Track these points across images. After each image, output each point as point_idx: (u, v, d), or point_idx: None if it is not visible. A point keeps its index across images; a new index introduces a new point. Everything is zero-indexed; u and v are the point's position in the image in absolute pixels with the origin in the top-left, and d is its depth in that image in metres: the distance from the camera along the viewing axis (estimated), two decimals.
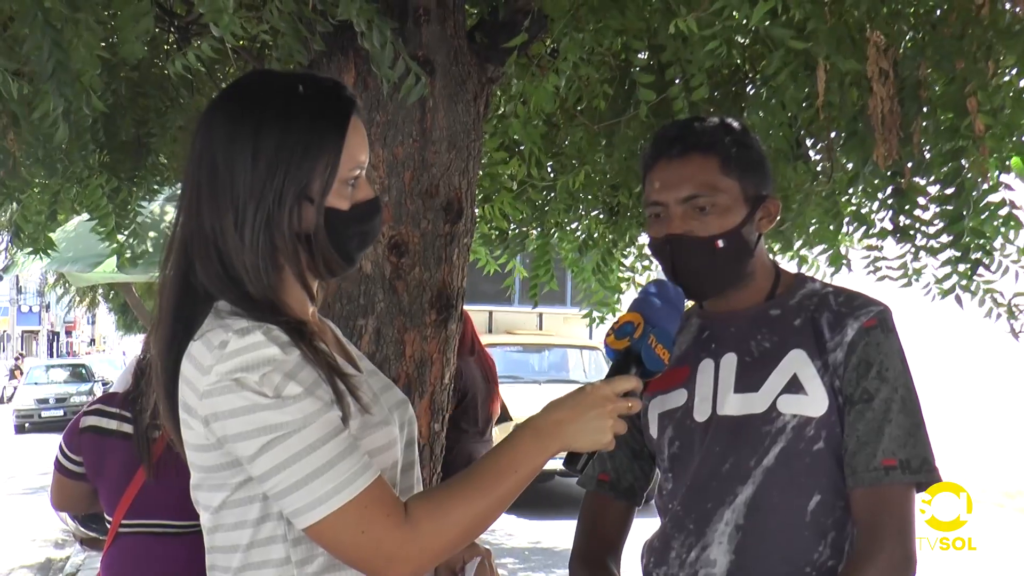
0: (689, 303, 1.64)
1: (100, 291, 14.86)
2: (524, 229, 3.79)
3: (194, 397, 1.24)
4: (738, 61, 2.88)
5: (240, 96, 1.34)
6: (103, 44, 2.33)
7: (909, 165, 2.50)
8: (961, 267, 2.58)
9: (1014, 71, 2.45)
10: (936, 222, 2.59)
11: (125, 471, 2.35)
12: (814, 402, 1.54)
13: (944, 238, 2.58)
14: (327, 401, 1.25)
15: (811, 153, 2.89)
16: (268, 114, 1.29)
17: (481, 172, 3.34)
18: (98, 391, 20.44)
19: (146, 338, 2.70)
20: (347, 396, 1.29)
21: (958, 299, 2.68)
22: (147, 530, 2.36)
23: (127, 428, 2.37)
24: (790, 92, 2.33)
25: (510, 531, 8.73)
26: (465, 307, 2.73)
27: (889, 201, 2.69)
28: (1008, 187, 2.51)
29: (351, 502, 1.22)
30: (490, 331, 11.74)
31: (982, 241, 2.50)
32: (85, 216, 4.71)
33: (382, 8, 2.14)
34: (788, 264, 3.27)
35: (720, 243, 1.58)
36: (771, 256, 1.79)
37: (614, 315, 3.84)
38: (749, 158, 1.61)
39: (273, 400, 1.21)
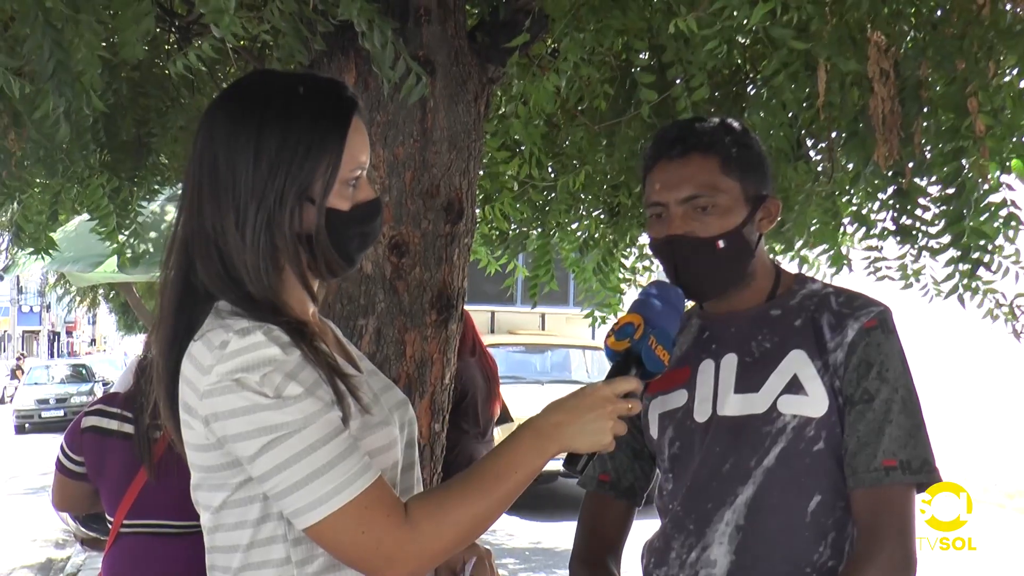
0: (689, 304, 1.64)
1: (101, 291, 14.85)
2: (524, 229, 3.79)
3: (194, 397, 1.24)
4: (739, 61, 2.88)
5: (241, 96, 1.34)
6: (104, 44, 2.33)
7: (910, 165, 2.50)
8: (962, 267, 2.57)
9: (1015, 71, 2.45)
10: (937, 222, 2.59)
11: (126, 471, 2.35)
12: (814, 402, 1.54)
13: (945, 238, 2.58)
14: (327, 401, 1.25)
15: (811, 153, 2.89)
16: (270, 114, 1.29)
17: (482, 172, 3.34)
18: (98, 391, 20.44)
19: (147, 338, 2.70)
20: (347, 397, 1.29)
21: (961, 299, 2.68)
22: (148, 530, 2.36)
23: (128, 428, 2.37)
24: (790, 93, 2.33)
25: (511, 531, 8.73)
26: (467, 307, 2.73)
27: (891, 202, 2.69)
28: (1009, 187, 2.51)
29: (351, 502, 1.22)
30: (492, 331, 11.73)
31: (983, 242, 2.50)
32: (86, 216, 4.71)
33: (383, 8, 2.14)
34: (789, 264, 3.27)
35: (721, 243, 1.58)
36: (772, 257, 1.79)
37: (616, 316, 3.84)
38: (749, 158, 1.61)
39: (274, 400, 1.21)
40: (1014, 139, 2.41)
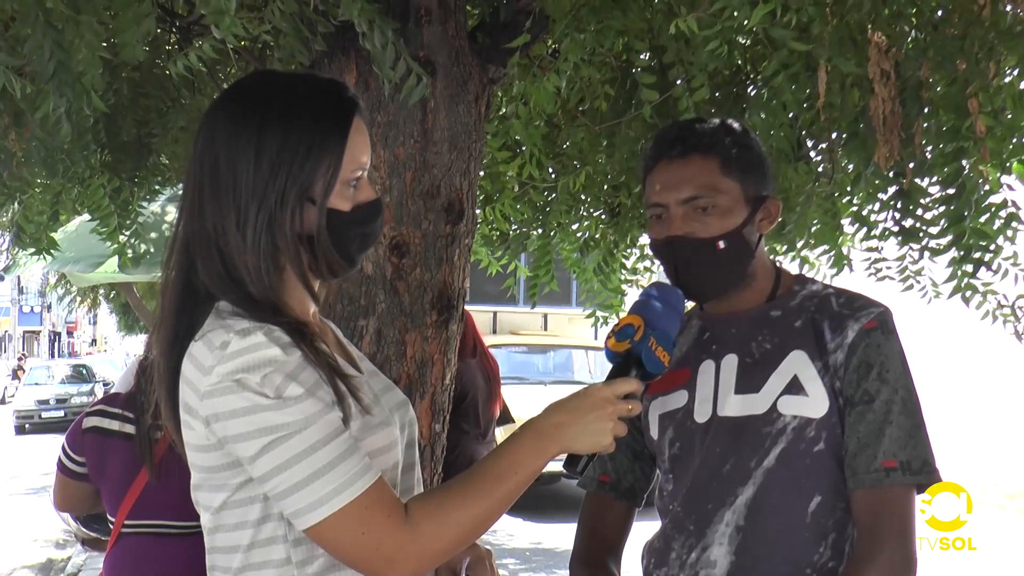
0: (690, 304, 1.64)
1: (101, 291, 14.86)
2: (525, 230, 3.79)
3: (195, 397, 1.24)
4: (739, 62, 2.88)
5: (242, 96, 1.34)
6: (104, 44, 2.33)
7: (911, 166, 2.50)
8: (966, 267, 2.57)
9: (1015, 72, 2.45)
10: (938, 223, 2.59)
11: (127, 472, 2.35)
12: (815, 403, 1.54)
13: (946, 239, 2.58)
14: (328, 402, 1.25)
15: (812, 154, 2.89)
16: (271, 115, 1.29)
17: (483, 173, 3.34)
18: (99, 392, 20.42)
19: (148, 338, 2.70)
20: (348, 397, 1.29)
21: (965, 299, 2.68)
22: (149, 530, 2.36)
23: (129, 429, 2.37)
24: (790, 93, 2.33)
25: (511, 532, 8.73)
26: (469, 308, 2.73)
27: (894, 203, 2.69)
28: (1009, 187, 2.51)
29: (352, 503, 1.22)
30: (494, 332, 11.73)
31: (985, 242, 2.50)
32: (86, 216, 4.71)
33: (383, 9, 2.14)
34: (791, 265, 3.27)
35: (721, 244, 1.58)
36: (773, 257, 1.79)
37: (617, 316, 3.84)
38: (750, 159, 1.61)
39: (274, 401, 1.21)
40: (1015, 140, 2.41)
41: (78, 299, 16.86)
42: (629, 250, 3.78)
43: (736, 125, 1.65)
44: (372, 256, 2.40)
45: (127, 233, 3.71)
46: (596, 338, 10.33)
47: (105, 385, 21.49)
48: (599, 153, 3.18)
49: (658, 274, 3.91)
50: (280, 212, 1.28)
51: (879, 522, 1.48)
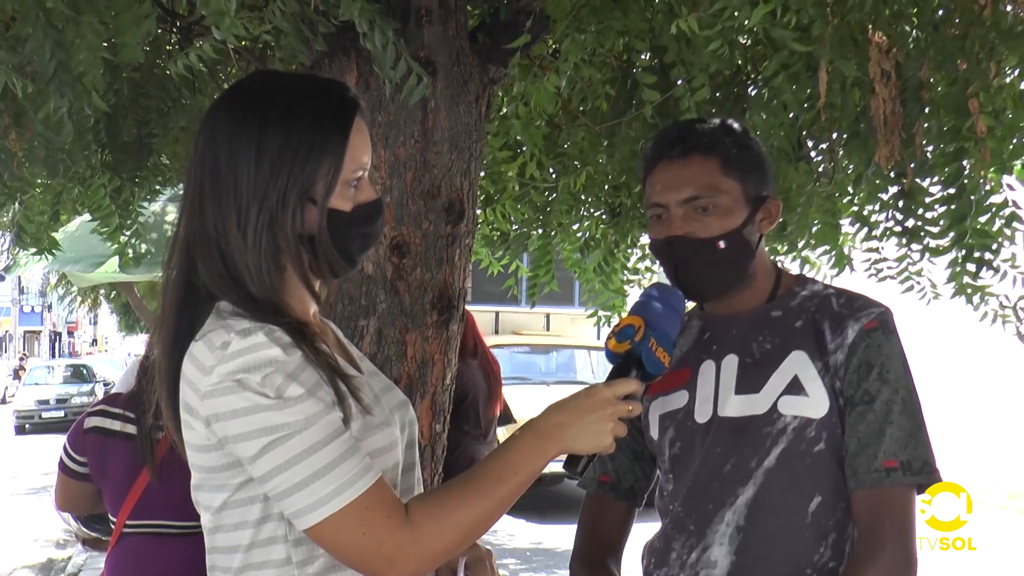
0: (690, 305, 1.64)
1: (102, 291, 14.86)
2: (526, 230, 3.79)
3: (195, 397, 1.24)
4: (739, 62, 2.88)
5: (243, 96, 1.34)
6: (105, 44, 2.33)
7: (911, 166, 2.50)
8: (969, 267, 2.57)
9: (1016, 72, 2.45)
10: (940, 223, 2.58)
11: (129, 472, 2.35)
12: (815, 403, 1.54)
13: (947, 239, 2.57)
14: (328, 402, 1.25)
15: (812, 154, 2.89)
16: (272, 115, 1.29)
17: (484, 173, 3.34)
18: (99, 392, 20.38)
19: (149, 338, 2.71)
20: (348, 397, 1.29)
21: (970, 299, 2.68)
22: (151, 531, 2.36)
23: (131, 429, 2.37)
24: (791, 93, 2.33)
25: (512, 532, 8.74)
26: (471, 308, 2.72)
27: (897, 203, 2.69)
28: (1009, 187, 2.51)
29: (352, 503, 1.22)
30: (496, 332, 11.72)
31: (987, 241, 2.50)
32: (87, 216, 4.71)
33: (384, 9, 2.14)
34: (792, 265, 3.27)
35: (722, 244, 1.58)
36: (774, 258, 1.79)
37: (620, 317, 3.83)
38: (750, 159, 1.62)
39: (275, 401, 1.21)
40: (1015, 140, 2.41)
41: (79, 299, 16.85)
42: (630, 250, 3.78)
43: (736, 125, 1.65)
44: (373, 256, 2.40)
45: (128, 233, 3.71)
46: (599, 338, 10.29)
47: (105, 385, 21.47)
48: (600, 153, 3.18)
49: (659, 274, 3.91)
50: (281, 212, 1.28)
51: (879, 522, 1.48)
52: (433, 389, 2.50)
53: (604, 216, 3.60)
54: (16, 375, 30.76)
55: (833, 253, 3.06)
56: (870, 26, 2.30)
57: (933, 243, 2.66)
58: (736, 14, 2.02)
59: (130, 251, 3.83)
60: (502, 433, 4.65)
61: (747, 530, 1.55)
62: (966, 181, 2.44)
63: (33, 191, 3.67)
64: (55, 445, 2.77)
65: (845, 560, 1.53)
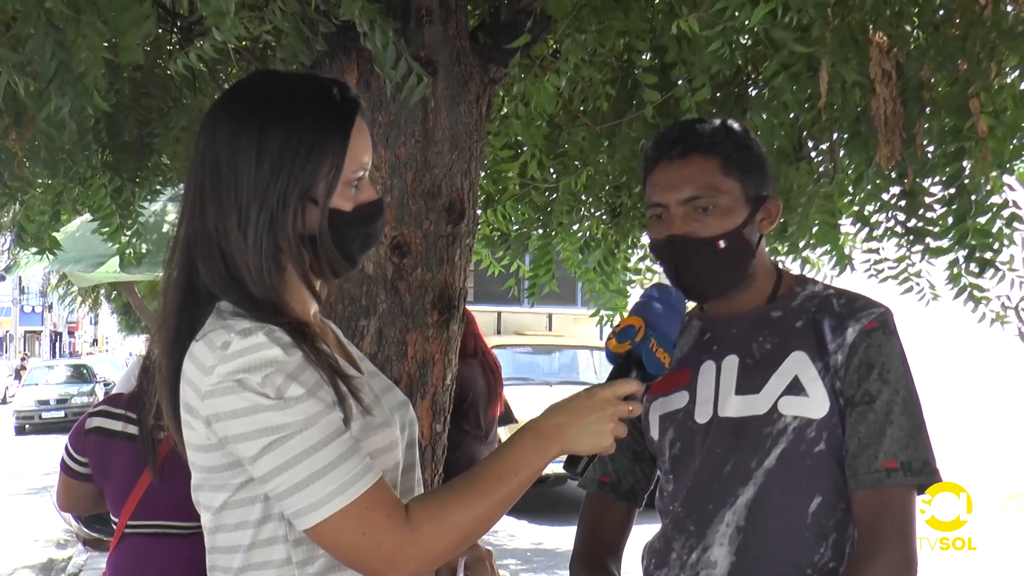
0: (690, 305, 1.64)
1: (103, 292, 14.86)
2: (526, 230, 3.79)
3: (196, 397, 1.24)
4: (740, 62, 2.88)
5: (244, 96, 1.34)
6: (106, 44, 2.33)
7: (912, 167, 2.50)
8: (972, 267, 2.57)
9: (1016, 72, 2.45)
10: (941, 223, 2.58)
11: (131, 472, 2.35)
12: (815, 404, 1.54)
13: (948, 240, 2.57)
14: (329, 403, 1.25)
15: (813, 154, 2.89)
16: (272, 115, 1.29)
17: (485, 173, 3.34)
18: (99, 392, 20.34)
19: (150, 338, 2.71)
20: (349, 398, 1.29)
21: (974, 300, 2.67)
22: (152, 531, 2.36)
23: (132, 429, 2.37)
24: (791, 94, 2.33)
25: (512, 532, 8.74)
26: (474, 308, 2.72)
27: (900, 203, 2.69)
28: (1009, 187, 2.51)
29: (352, 504, 1.22)
30: (499, 332, 11.69)
31: (990, 240, 2.49)
32: (87, 216, 4.72)
33: (385, 8, 2.14)
34: (792, 265, 3.27)
35: (722, 243, 1.58)
36: (775, 258, 1.79)
37: (622, 317, 3.82)
38: (750, 159, 1.62)
39: (275, 401, 1.21)
40: (1016, 140, 2.41)
41: (79, 299, 16.85)
42: (631, 250, 3.77)
43: (736, 125, 1.65)
44: (373, 256, 2.40)
45: (128, 233, 3.71)
46: (601, 338, 10.24)
47: (106, 385, 21.44)
48: (600, 153, 3.18)
49: (660, 275, 3.91)
50: (282, 212, 1.28)
51: (880, 522, 1.48)
52: (433, 389, 2.50)
53: (604, 216, 3.60)
54: (17, 375, 30.75)
55: (834, 253, 3.05)
56: (871, 26, 2.30)
57: (934, 243, 2.65)
58: (736, 14, 2.02)
59: (130, 251, 3.83)
60: (504, 433, 4.65)
61: (747, 530, 1.55)
62: (966, 181, 2.44)
63: (34, 191, 3.67)
64: (55, 445, 2.77)
65: (845, 560, 1.53)
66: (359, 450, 1.25)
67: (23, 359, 38.85)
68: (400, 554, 1.24)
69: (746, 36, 2.66)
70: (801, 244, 3.09)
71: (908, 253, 2.76)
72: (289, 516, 1.24)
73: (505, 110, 3.26)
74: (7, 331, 51.55)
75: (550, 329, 12.37)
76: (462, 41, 2.47)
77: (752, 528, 1.55)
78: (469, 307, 2.77)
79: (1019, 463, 12.33)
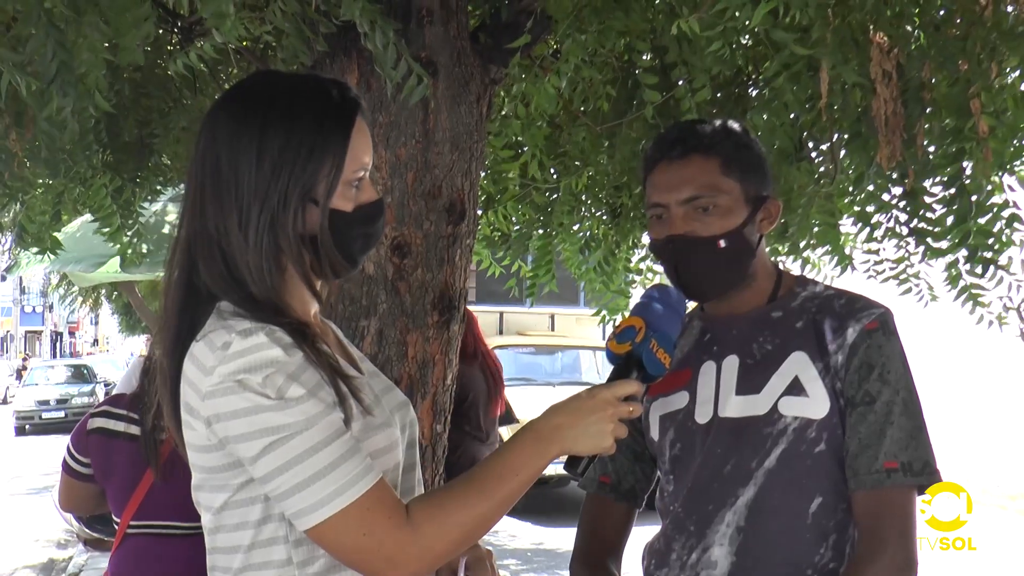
0: (691, 305, 1.64)
1: (103, 292, 14.86)
2: (527, 231, 3.79)
3: (196, 398, 1.24)
4: (740, 63, 2.88)
5: (244, 97, 1.34)
6: (106, 45, 2.33)
7: (913, 167, 2.50)
8: (975, 267, 2.57)
9: (1017, 73, 2.45)
10: (942, 223, 2.58)
11: (133, 472, 2.35)
12: (815, 404, 1.54)
13: (950, 240, 2.57)
14: (329, 403, 1.25)
15: (813, 155, 2.89)
16: (273, 115, 1.29)
17: (485, 174, 3.34)
18: (100, 392, 20.33)
19: (151, 339, 2.71)
20: (349, 398, 1.29)
21: (977, 300, 2.67)
22: (154, 531, 2.36)
23: (134, 430, 2.37)
24: (791, 94, 2.33)
25: (513, 533, 8.74)
26: (476, 308, 2.72)
27: (901, 204, 2.69)
28: (1010, 188, 2.51)
29: (353, 504, 1.22)
30: (501, 332, 11.68)
31: (991, 240, 2.49)
32: (88, 216, 4.72)
33: (385, 9, 2.14)
34: (793, 266, 3.27)
35: (722, 243, 1.58)
36: (775, 258, 1.79)
37: (624, 317, 3.81)
38: (750, 159, 1.62)
39: (276, 402, 1.21)
40: (1016, 141, 2.41)
41: (80, 299, 16.86)
42: (631, 251, 3.77)
43: (736, 126, 1.65)
44: (374, 256, 2.40)
45: (129, 233, 3.71)
46: (603, 339, 10.22)
47: (106, 386, 21.43)
48: (601, 153, 3.19)
49: (661, 275, 3.91)
50: (282, 213, 1.28)
51: (880, 523, 1.48)
52: (434, 389, 2.50)
53: (605, 216, 3.60)
54: (18, 375, 30.75)
55: (834, 254, 3.05)
56: (871, 27, 2.30)
57: (935, 244, 2.65)
58: (737, 15, 2.02)
59: (131, 251, 3.83)
60: (505, 433, 4.65)
61: (747, 531, 1.55)
62: (967, 182, 2.44)
63: (34, 191, 3.68)
64: (56, 446, 2.77)
65: (846, 561, 1.53)
66: (360, 450, 1.25)
67: (24, 359, 38.86)
68: (401, 554, 1.24)
69: (747, 37, 2.66)
70: (802, 244, 3.09)
71: (908, 254, 2.76)
72: (289, 517, 1.24)
73: (505, 110, 3.26)
74: (8, 331, 51.58)
75: (552, 329, 12.36)
76: (463, 41, 2.47)
77: (752, 528, 1.55)
78: (472, 307, 2.77)
79: (1019, 463, 12.33)
